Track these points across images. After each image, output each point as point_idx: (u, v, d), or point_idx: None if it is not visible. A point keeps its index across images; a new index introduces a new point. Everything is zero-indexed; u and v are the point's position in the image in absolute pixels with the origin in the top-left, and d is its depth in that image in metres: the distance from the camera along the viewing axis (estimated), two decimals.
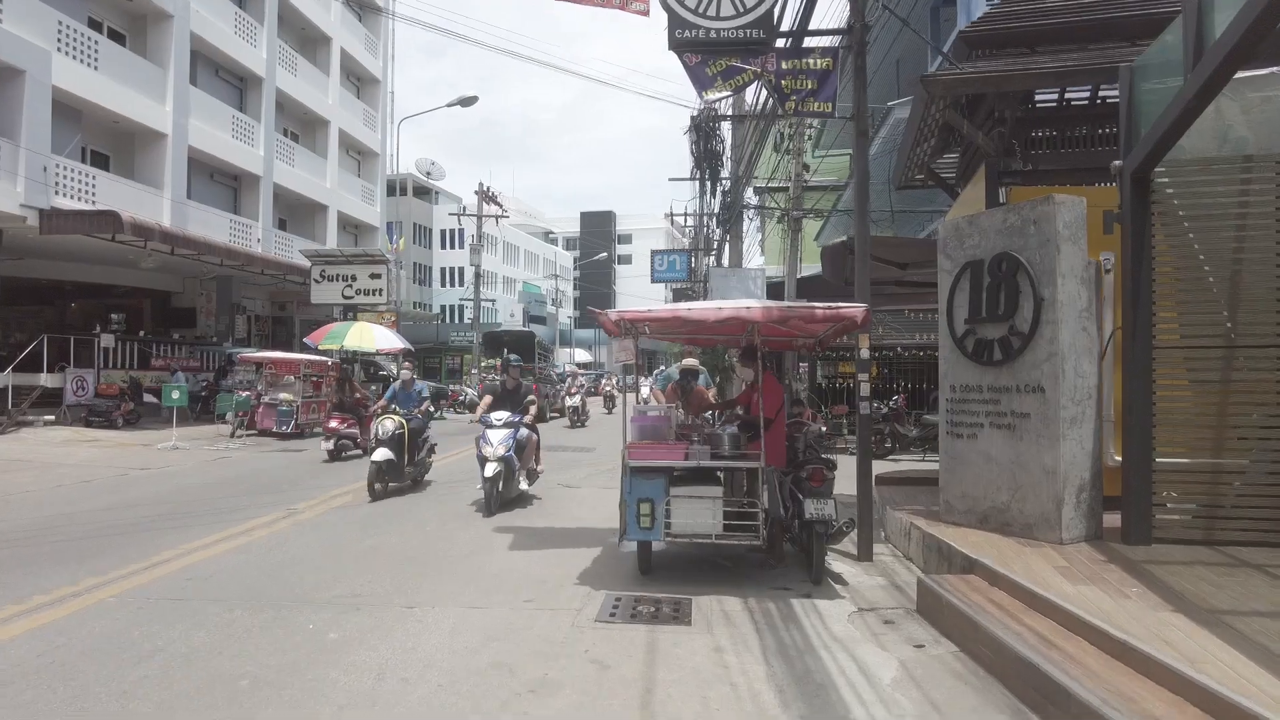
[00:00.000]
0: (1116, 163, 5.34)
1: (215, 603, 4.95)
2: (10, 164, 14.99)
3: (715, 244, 25.37)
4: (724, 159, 18.92)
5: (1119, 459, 5.60)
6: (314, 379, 17.24)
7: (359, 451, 12.61)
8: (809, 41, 7.43)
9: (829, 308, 5.54)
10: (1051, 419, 5.44)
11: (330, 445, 12.38)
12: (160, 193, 19.83)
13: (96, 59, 17.77)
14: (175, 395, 14.60)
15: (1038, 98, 7.73)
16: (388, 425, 9.13)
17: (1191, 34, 4.48)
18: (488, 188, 29.14)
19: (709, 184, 18.97)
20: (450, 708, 3.53)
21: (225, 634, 4.39)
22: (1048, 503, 5.44)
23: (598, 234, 72.76)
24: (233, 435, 15.49)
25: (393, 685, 3.74)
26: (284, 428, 15.83)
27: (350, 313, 22.75)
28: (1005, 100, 7.09)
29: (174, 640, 4.27)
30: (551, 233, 77.47)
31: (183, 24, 20.52)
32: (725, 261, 20.95)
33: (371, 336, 17.66)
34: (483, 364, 28.98)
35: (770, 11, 6.64)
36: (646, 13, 7.32)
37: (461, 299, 43.65)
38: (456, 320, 45.83)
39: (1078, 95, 7.59)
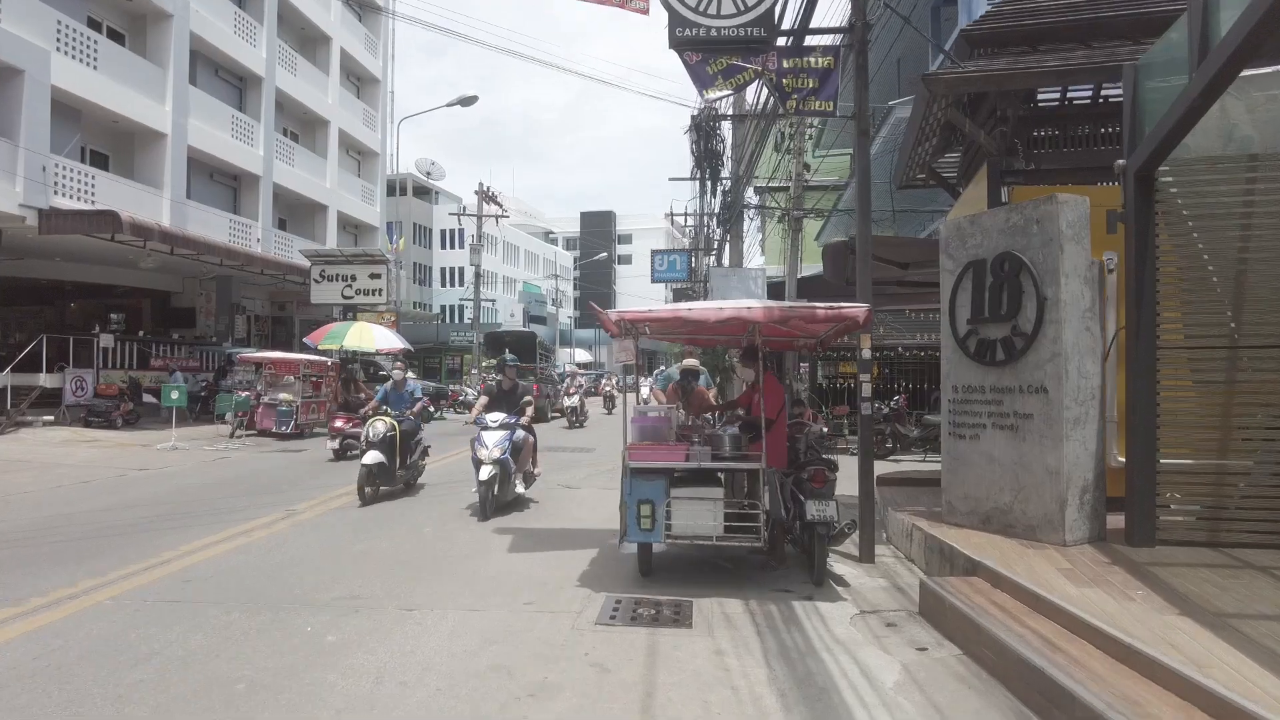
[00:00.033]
0: (1120, 162, 5.31)
1: (213, 605, 4.92)
2: (9, 164, 14.96)
3: (715, 244, 25.34)
4: (724, 158, 18.89)
5: (1122, 460, 5.58)
6: (314, 379, 17.21)
7: None
8: (810, 40, 7.40)
9: (831, 308, 5.50)
10: (1055, 420, 5.41)
11: (336, 445, 12.38)
12: (160, 192, 19.80)
13: (96, 58, 17.75)
14: (174, 395, 14.58)
15: (1040, 97, 7.70)
16: (378, 427, 8.89)
17: (1196, 32, 4.45)
18: (488, 188, 29.12)
19: (709, 184, 18.94)
20: (449, 711, 3.50)
21: (223, 636, 4.36)
22: (1051, 504, 5.41)
23: (598, 234, 72.73)
24: (232, 435, 15.46)
25: (391, 689, 3.71)
26: (283, 428, 15.80)
27: (350, 313, 22.75)
28: (1007, 99, 7.05)
29: (171, 643, 4.24)
30: (551, 233, 77.44)
31: (182, 23, 20.49)
32: (726, 261, 20.91)
33: (371, 336, 17.66)
34: (483, 364, 28.94)
35: (771, 10, 6.61)
36: (646, 11, 7.29)
37: (461, 299, 43.63)
38: (456, 320, 45.81)
39: (1080, 94, 7.55)
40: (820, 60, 6.75)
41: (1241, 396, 5.23)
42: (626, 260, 76.54)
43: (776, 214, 19.99)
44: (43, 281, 19.94)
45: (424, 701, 3.59)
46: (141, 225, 15.59)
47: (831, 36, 7.57)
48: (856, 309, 5.54)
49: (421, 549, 6.56)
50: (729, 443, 5.77)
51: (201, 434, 15.77)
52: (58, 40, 16.63)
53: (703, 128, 16.90)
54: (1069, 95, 7.63)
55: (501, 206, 30.35)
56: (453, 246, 50.78)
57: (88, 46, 17.54)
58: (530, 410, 8.77)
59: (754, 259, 31.98)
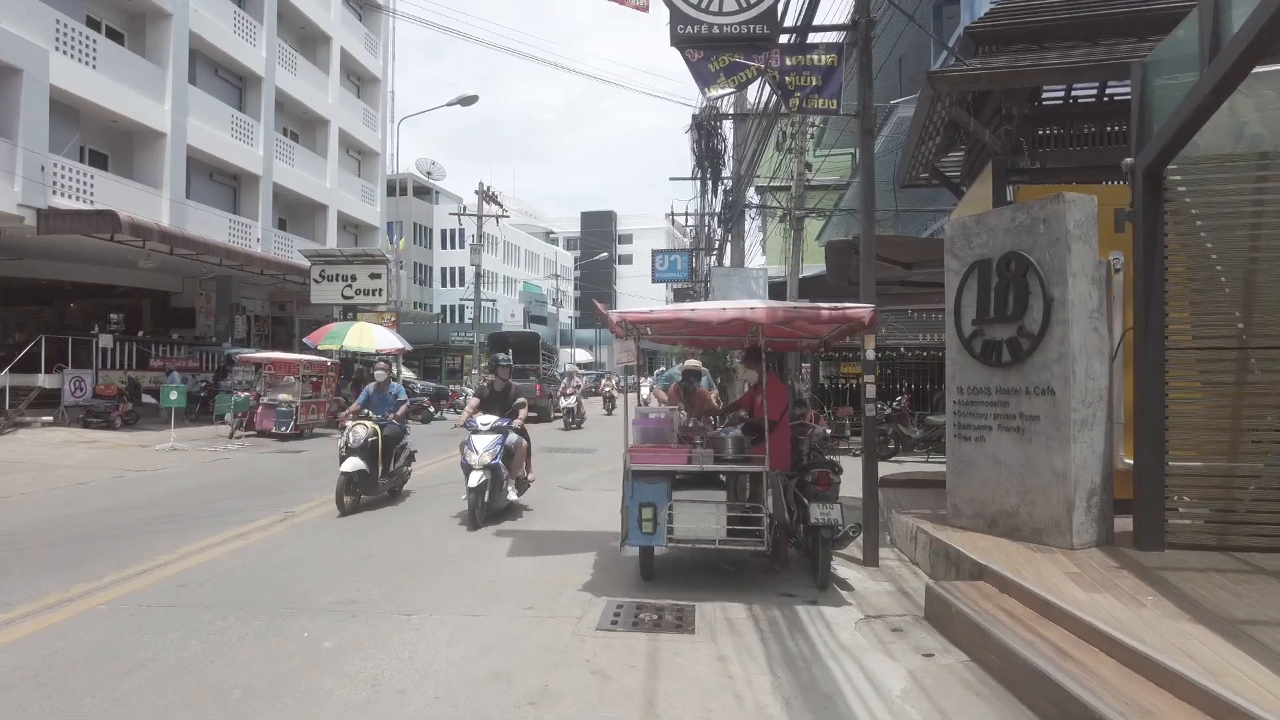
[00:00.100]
0: (1128, 160, 5.24)
1: (209, 609, 4.85)
2: (8, 163, 14.90)
3: (717, 244, 25.27)
4: (725, 158, 18.81)
5: (1129, 462, 5.50)
6: (313, 379, 17.15)
7: None
8: (813, 37, 7.31)
9: (835, 308, 5.43)
10: (1062, 421, 5.34)
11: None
12: (159, 192, 19.74)
13: (95, 58, 17.69)
14: (173, 396, 14.51)
15: (1044, 95, 7.62)
16: (359, 432, 8.25)
17: (1207, 28, 4.38)
18: (488, 187, 28.99)
19: (710, 183, 18.86)
20: None
21: (218, 642, 4.29)
22: (1058, 507, 5.34)
23: (598, 234, 72.65)
24: (231, 436, 15.39)
25: (388, 696, 3.64)
26: (283, 429, 15.75)
27: (350, 313, 22.69)
28: (1012, 97, 6.98)
29: (166, 649, 4.17)
30: (552, 233, 77.37)
31: (181, 23, 20.43)
32: (727, 261, 20.83)
33: (371, 337, 17.61)
34: (483, 365, 28.86)
35: (774, 7, 6.53)
36: (645, 8, 7.22)
37: (462, 299, 43.55)
38: (457, 320, 45.74)
39: (1085, 92, 7.48)
40: (823, 58, 6.67)
41: (1251, 398, 5.17)
42: (627, 260, 76.48)
43: (778, 213, 19.91)
44: (42, 281, 19.89)
45: (421, 709, 3.52)
46: (140, 225, 15.53)
47: (834, 34, 7.50)
48: (861, 310, 5.46)
49: (421, 552, 6.49)
50: (732, 445, 5.71)
51: (201, 435, 15.70)
52: (56, 39, 16.57)
53: (704, 127, 16.83)
54: (1074, 93, 7.56)
55: (502, 206, 30.24)
56: (453, 246, 50.70)
57: (87, 46, 17.48)
58: (523, 413, 8.37)
59: (755, 259, 31.92)
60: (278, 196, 25.37)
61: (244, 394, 16.33)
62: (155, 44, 20.14)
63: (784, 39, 6.96)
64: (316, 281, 21.44)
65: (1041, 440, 5.46)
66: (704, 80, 6.82)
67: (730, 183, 19.81)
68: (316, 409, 16.82)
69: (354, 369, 16.44)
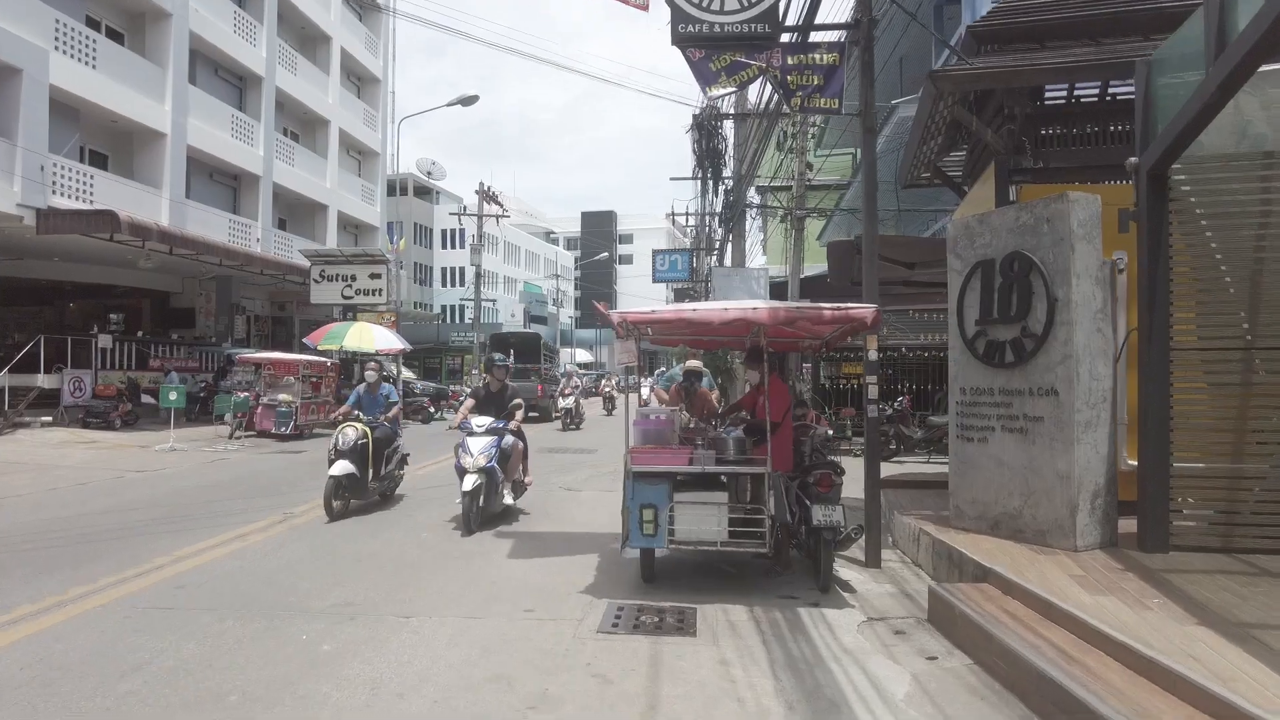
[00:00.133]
0: (1132, 160, 5.20)
1: (207, 612, 4.82)
2: (7, 163, 14.88)
3: (717, 243, 25.24)
4: (726, 157, 18.78)
5: (1133, 463, 5.47)
6: (313, 380, 17.12)
7: None
8: (815, 36, 7.28)
9: (838, 309, 5.40)
10: (1065, 422, 5.30)
11: None
12: (159, 192, 19.72)
13: (94, 58, 17.66)
14: (172, 397, 14.48)
15: (1047, 94, 7.59)
16: (349, 434, 8.03)
17: (1213, 27, 4.34)
18: (488, 187, 28.98)
19: (711, 183, 18.83)
20: None
21: (216, 645, 4.26)
22: (1061, 508, 5.30)
23: (598, 234, 72.62)
24: (231, 436, 15.36)
25: (387, 700, 3.61)
26: (283, 429, 15.73)
27: (350, 313, 22.64)
28: (1014, 96, 6.95)
29: (163, 652, 4.14)
30: (552, 233, 77.33)
31: (181, 23, 20.41)
32: (728, 261, 20.81)
33: (371, 337, 17.56)
34: (483, 365, 28.84)
35: (775, 6, 6.49)
36: (646, 7, 7.20)
37: (462, 299, 43.51)
38: (457, 320, 45.71)
39: (1087, 91, 7.45)
40: (825, 57, 6.63)
41: (1256, 399, 5.13)
42: (627, 260, 76.46)
43: (779, 213, 19.88)
44: (41, 282, 19.87)
45: (421, 713, 3.49)
46: (140, 225, 15.50)
47: (836, 33, 7.46)
48: (864, 310, 5.43)
49: (421, 553, 6.46)
50: (733, 446, 5.68)
51: (200, 435, 15.68)
52: (56, 39, 16.54)
53: (705, 126, 16.80)
54: (1076, 92, 7.52)
55: (502, 206, 30.22)
56: (453, 246, 50.67)
57: (86, 45, 17.46)
58: (520, 414, 8.10)
59: (756, 259, 31.85)
60: (278, 196, 25.34)
61: (244, 394, 16.31)
62: (155, 44, 20.12)
63: (785, 38, 6.92)
64: (316, 281, 21.41)
65: (1045, 441, 5.42)
66: (705, 79, 6.78)
67: (731, 182, 19.78)
68: (316, 409, 16.79)
69: (355, 369, 16.39)
